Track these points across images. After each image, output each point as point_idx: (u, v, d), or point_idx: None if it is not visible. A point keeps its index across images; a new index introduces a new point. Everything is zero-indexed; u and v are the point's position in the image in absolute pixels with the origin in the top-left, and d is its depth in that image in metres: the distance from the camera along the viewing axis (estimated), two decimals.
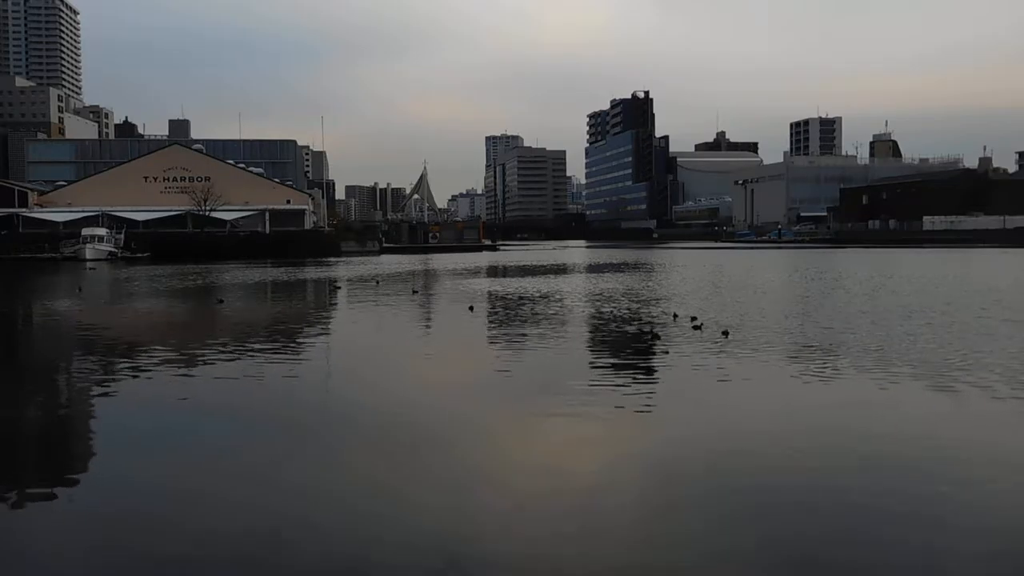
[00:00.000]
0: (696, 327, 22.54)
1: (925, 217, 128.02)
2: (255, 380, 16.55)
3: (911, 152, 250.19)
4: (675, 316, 25.61)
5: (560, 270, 61.13)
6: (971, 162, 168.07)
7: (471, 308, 29.86)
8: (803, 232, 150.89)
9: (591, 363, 18.44)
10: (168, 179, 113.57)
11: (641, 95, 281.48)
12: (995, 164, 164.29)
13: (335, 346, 22.88)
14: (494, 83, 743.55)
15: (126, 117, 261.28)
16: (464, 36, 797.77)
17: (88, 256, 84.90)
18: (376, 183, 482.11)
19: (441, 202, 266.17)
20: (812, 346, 19.77)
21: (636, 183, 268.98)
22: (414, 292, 40.02)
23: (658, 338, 21.03)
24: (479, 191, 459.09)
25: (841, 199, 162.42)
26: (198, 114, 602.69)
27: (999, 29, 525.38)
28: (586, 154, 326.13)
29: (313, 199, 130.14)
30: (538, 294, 36.98)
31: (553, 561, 7.49)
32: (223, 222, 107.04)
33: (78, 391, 16.45)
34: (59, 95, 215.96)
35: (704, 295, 35.29)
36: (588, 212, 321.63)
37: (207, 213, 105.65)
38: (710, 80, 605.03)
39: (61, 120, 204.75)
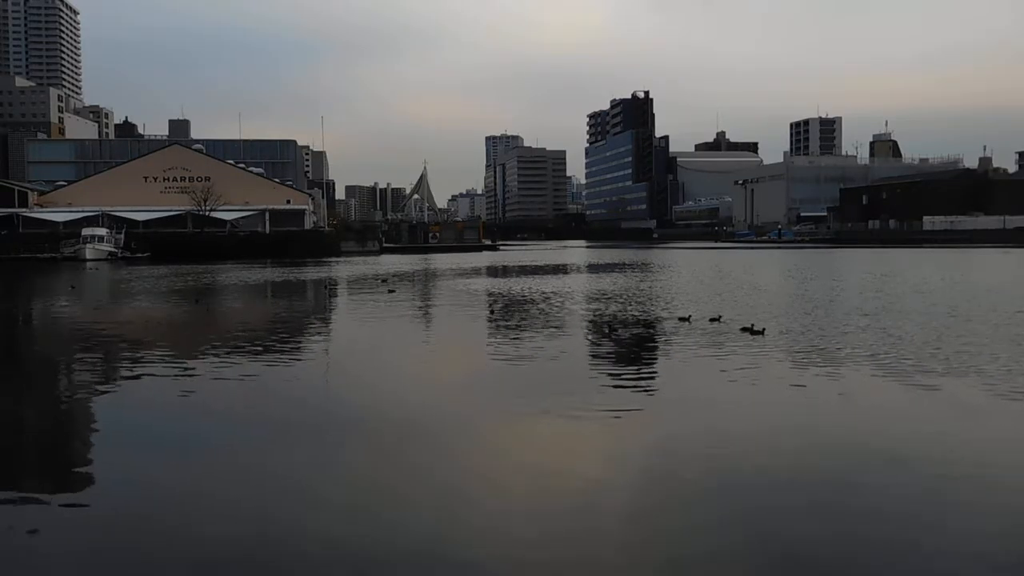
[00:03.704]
0: (746, 329, 22.04)
1: (925, 217, 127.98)
2: (250, 380, 16.54)
3: (911, 152, 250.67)
4: (686, 319, 24.85)
5: (560, 270, 61.16)
6: (971, 162, 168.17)
7: (491, 311, 29.60)
8: (803, 232, 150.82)
9: (591, 363, 18.44)
10: (168, 179, 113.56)
11: (641, 95, 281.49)
12: (995, 164, 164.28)
13: (331, 346, 22.87)
14: (494, 83, 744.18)
15: (126, 117, 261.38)
16: (464, 36, 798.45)
17: (88, 256, 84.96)
18: (376, 183, 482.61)
19: (441, 202, 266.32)
20: (820, 347, 19.76)
21: (636, 183, 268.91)
22: (390, 291, 39.67)
23: (649, 339, 21.03)
24: (479, 191, 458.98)
25: (841, 199, 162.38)
26: (198, 114, 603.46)
27: (999, 29, 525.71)
28: (586, 154, 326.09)
29: (313, 199, 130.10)
30: (539, 294, 36.97)
31: (550, 559, 7.49)
32: (223, 222, 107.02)
33: (63, 390, 16.46)
34: (59, 95, 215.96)
35: (712, 295, 35.29)
36: (588, 212, 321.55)
37: (207, 213, 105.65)
38: (710, 80, 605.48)
39: (61, 120, 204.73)
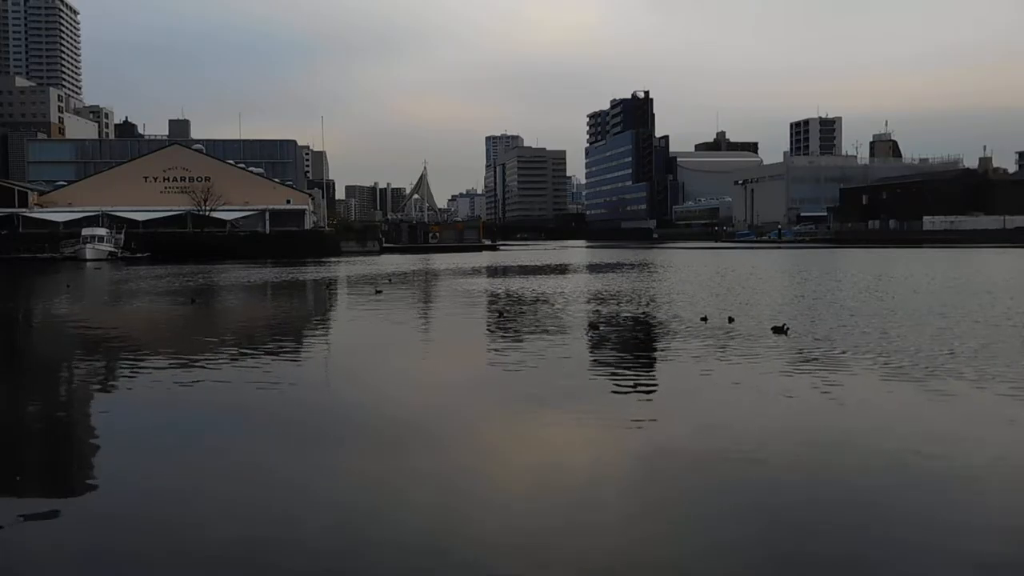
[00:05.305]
0: (777, 329, 21.99)
1: (925, 217, 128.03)
2: (248, 379, 16.47)
3: (911, 152, 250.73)
4: (704, 319, 24.82)
5: (561, 270, 61.16)
6: (971, 162, 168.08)
7: (501, 314, 28.47)
8: (803, 232, 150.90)
9: (593, 363, 18.42)
10: (168, 179, 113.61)
11: (641, 95, 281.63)
12: (995, 164, 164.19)
13: (331, 346, 22.84)
14: (494, 83, 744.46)
15: (126, 117, 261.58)
16: (464, 36, 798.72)
17: (88, 256, 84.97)
18: (376, 183, 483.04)
19: (441, 202, 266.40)
20: (834, 347, 19.74)
21: (636, 183, 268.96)
22: (377, 291, 39.27)
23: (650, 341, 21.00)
24: (479, 191, 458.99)
25: (841, 199, 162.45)
26: (198, 114, 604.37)
27: (999, 29, 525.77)
28: (586, 154, 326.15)
29: (313, 199, 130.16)
30: (540, 295, 36.95)
31: (548, 558, 7.48)
32: (223, 222, 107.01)
33: (58, 389, 16.45)
34: (59, 95, 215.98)
35: (717, 296, 35.26)
36: (588, 212, 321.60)
37: (207, 213, 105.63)
38: (710, 80, 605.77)
39: (61, 120, 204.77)
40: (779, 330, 21.83)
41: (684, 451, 10.92)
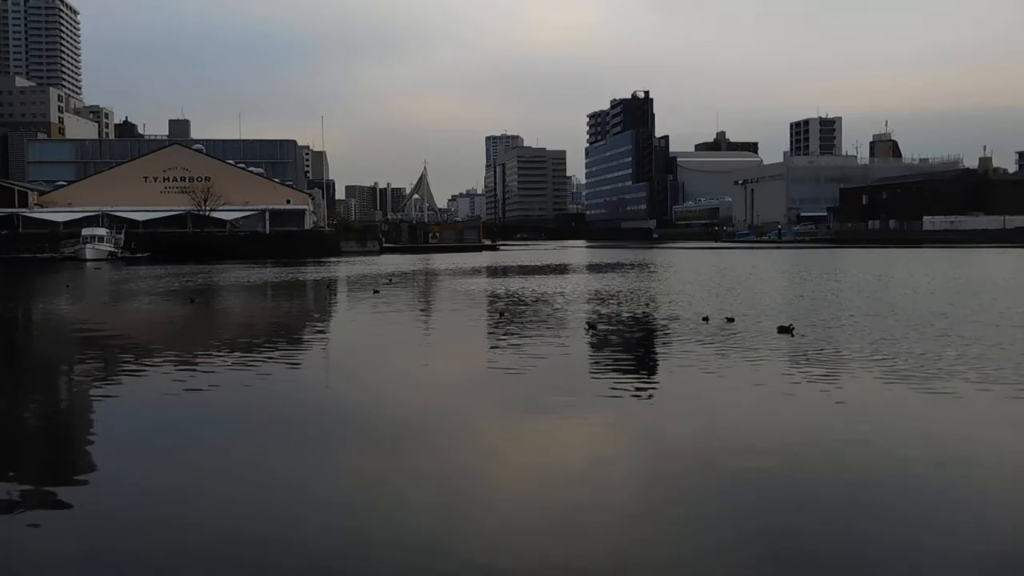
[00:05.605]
0: (783, 329, 21.93)
1: (925, 217, 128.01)
2: (247, 379, 16.46)
3: (911, 152, 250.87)
4: (706, 319, 24.80)
5: (561, 270, 61.14)
6: (971, 162, 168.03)
7: (501, 314, 28.19)
8: (803, 232, 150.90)
9: (593, 363, 18.41)
10: (168, 179, 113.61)
11: (641, 95, 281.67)
12: (995, 164, 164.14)
13: (331, 346, 22.81)
14: (494, 83, 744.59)
15: (126, 117, 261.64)
16: (464, 36, 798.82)
17: (88, 256, 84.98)
18: (376, 183, 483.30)
19: (441, 202, 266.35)
20: (823, 348, 19.72)
21: (636, 183, 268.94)
22: (375, 292, 39.45)
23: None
24: (479, 191, 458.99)
25: (841, 199, 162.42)
26: (198, 114, 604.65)
27: (999, 29, 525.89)
28: (586, 154, 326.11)
29: (313, 199, 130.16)
30: (541, 295, 36.94)
31: (548, 558, 7.48)
32: (223, 222, 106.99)
33: (58, 389, 16.44)
34: (59, 95, 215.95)
35: (718, 296, 35.25)
36: (588, 212, 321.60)
37: (207, 213, 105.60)
38: (710, 80, 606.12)
39: (61, 120, 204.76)
40: (785, 329, 21.80)
41: (684, 451, 10.91)
